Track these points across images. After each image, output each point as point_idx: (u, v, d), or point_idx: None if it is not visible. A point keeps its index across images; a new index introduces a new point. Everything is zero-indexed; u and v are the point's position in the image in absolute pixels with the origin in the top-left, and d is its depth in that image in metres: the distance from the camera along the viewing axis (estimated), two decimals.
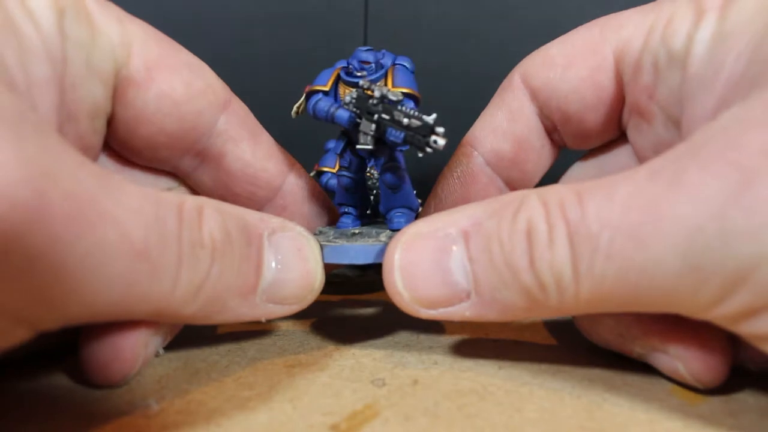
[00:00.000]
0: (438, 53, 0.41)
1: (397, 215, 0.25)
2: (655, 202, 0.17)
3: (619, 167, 0.26)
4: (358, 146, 0.23)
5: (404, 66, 0.25)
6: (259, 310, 0.21)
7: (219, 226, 0.19)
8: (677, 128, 0.23)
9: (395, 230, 0.24)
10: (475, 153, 0.27)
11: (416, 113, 0.22)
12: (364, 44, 0.25)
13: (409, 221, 0.25)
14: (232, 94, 0.26)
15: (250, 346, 0.24)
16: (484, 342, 0.25)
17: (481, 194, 0.27)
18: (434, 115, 0.22)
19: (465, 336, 0.25)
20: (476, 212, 0.20)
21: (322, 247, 0.23)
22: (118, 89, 0.23)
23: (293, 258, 0.21)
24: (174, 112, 0.24)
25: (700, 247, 0.16)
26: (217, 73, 0.26)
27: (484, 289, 0.20)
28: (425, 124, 0.22)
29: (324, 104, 0.23)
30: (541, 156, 0.27)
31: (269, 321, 0.27)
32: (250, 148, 0.26)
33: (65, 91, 0.21)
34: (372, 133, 0.23)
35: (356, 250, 0.23)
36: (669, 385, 0.21)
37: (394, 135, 0.22)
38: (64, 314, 0.16)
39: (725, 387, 0.20)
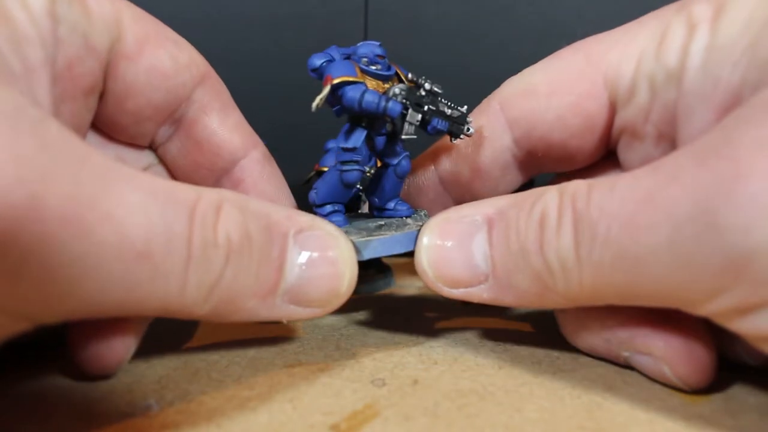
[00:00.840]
0: (438, 53, 0.41)
1: (400, 203, 0.26)
2: (650, 193, 0.17)
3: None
4: (404, 136, 0.24)
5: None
6: (279, 311, 0.20)
7: (237, 225, 0.19)
8: (668, 143, 0.23)
9: (408, 217, 0.26)
10: (432, 167, 0.28)
11: (453, 104, 0.24)
12: None
13: (411, 209, 0.26)
14: (211, 68, 0.27)
15: (250, 346, 0.24)
16: (484, 342, 0.25)
17: (426, 207, 0.28)
18: (466, 106, 0.25)
19: (465, 336, 0.25)
20: (502, 202, 0.21)
21: (357, 244, 0.22)
22: (110, 64, 0.23)
23: (319, 259, 0.20)
24: (162, 85, 0.24)
25: (689, 240, 0.16)
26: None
27: (500, 273, 0.21)
28: (463, 114, 0.25)
29: (373, 96, 0.23)
30: (499, 184, 0.27)
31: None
32: (218, 118, 0.26)
33: (62, 73, 0.21)
34: (417, 123, 0.24)
35: (406, 237, 0.23)
36: (669, 385, 0.21)
37: (442, 124, 0.24)
38: (63, 311, 0.16)
39: (725, 386, 0.20)
